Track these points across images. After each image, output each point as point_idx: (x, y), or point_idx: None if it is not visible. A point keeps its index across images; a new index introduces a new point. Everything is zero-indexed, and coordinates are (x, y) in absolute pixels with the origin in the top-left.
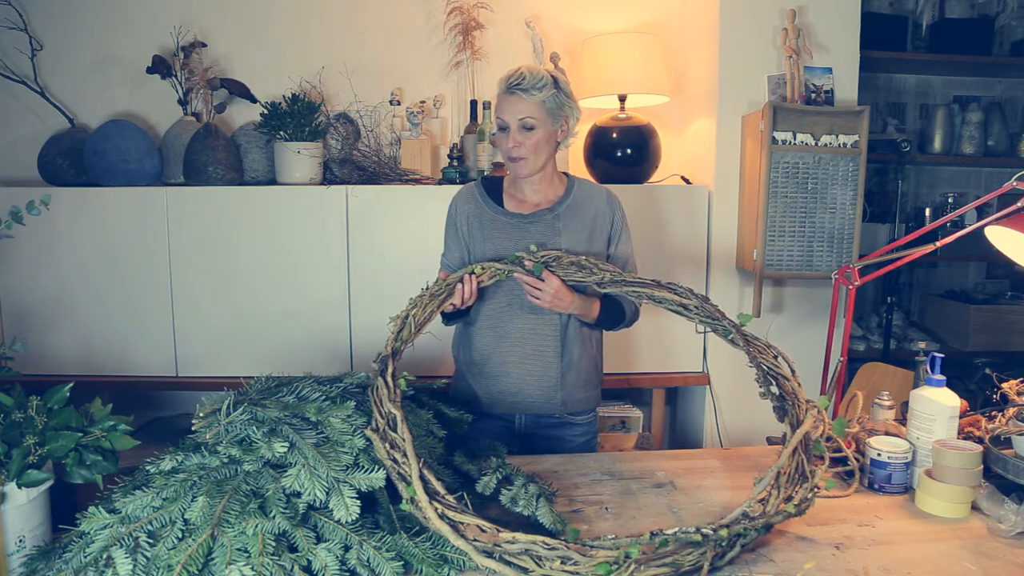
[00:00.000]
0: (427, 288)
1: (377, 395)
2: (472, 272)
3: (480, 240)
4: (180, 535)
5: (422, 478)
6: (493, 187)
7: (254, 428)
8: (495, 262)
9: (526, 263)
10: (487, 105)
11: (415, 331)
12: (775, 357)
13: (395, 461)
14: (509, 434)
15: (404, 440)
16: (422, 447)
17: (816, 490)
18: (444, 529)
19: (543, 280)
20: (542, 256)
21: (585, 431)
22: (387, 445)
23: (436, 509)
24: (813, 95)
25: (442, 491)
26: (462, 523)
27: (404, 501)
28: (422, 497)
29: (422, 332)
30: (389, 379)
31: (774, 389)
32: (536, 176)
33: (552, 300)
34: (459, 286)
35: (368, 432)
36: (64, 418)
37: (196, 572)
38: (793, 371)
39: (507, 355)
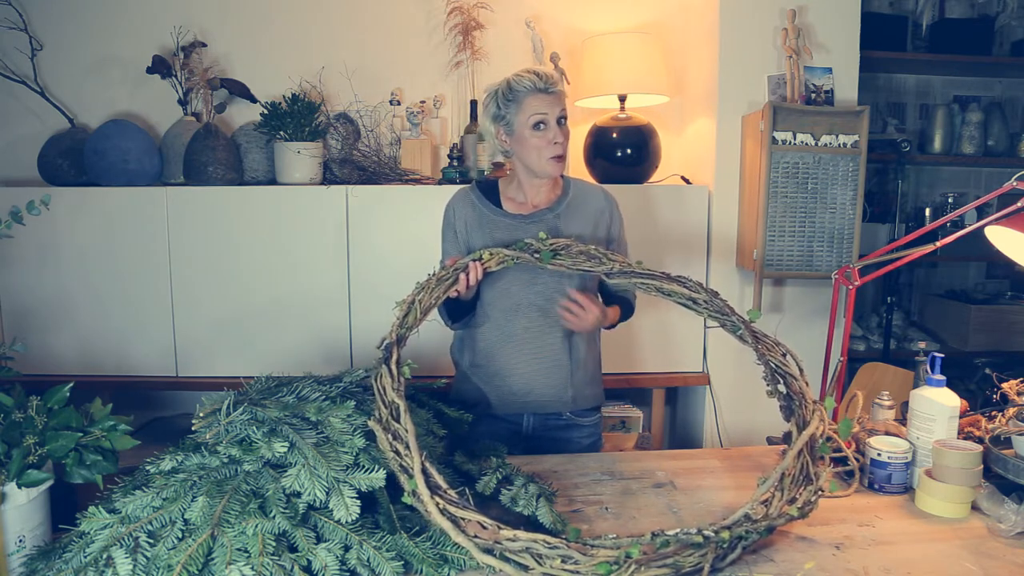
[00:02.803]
0: (433, 273)
1: (381, 383)
2: (479, 258)
3: (481, 244)
4: (180, 535)
5: (424, 472)
6: (489, 190)
7: (254, 428)
8: (502, 248)
9: (536, 247)
10: None
11: (420, 316)
12: (783, 355)
13: (397, 453)
14: (516, 436)
15: (407, 431)
16: (423, 446)
17: (820, 492)
18: (445, 524)
19: (569, 291)
20: (551, 244)
21: (591, 433)
22: (390, 436)
23: (437, 504)
24: (813, 95)
25: (444, 485)
26: (463, 519)
27: (405, 494)
28: (424, 490)
29: (427, 317)
30: (393, 367)
31: (781, 388)
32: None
33: (592, 326)
34: (462, 275)
35: (371, 423)
36: (64, 418)
37: (196, 572)
38: (801, 370)
39: (514, 355)
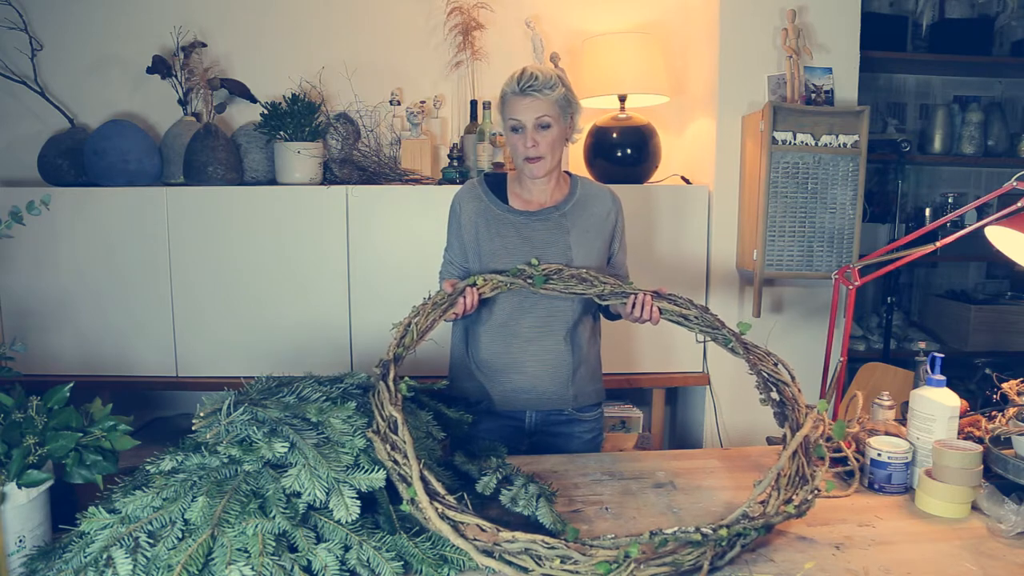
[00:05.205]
0: (430, 297)
1: (378, 398)
2: (474, 284)
3: (488, 239)
4: (180, 535)
5: (422, 479)
6: (496, 184)
7: (254, 428)
8: (496, 274)
9: (528, 272)
10: (487, 105)
11: (417, 338)
12: (775, 364)
13: (396, 463)
14: (519, 433)
15: (405, 442)
16: (421, 449)
17: (816, 492)
18: (444, 529)
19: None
20: (543, 269)
21: (592, 428)
22: (388, 447)
23: (436, 509)
24: (813, 95)
25: (442, 492)
26: (462, 523)
27: (404, 502)
28: (423, 497)
29: (424, 339)
30: (391, 383)
31: (774, 395)
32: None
33: (652, 302)
34: (460, 299)
35: (369, 434)
36: (64, 418)
37: (196, 572)
38: (793, 377)
39: (519, 354)
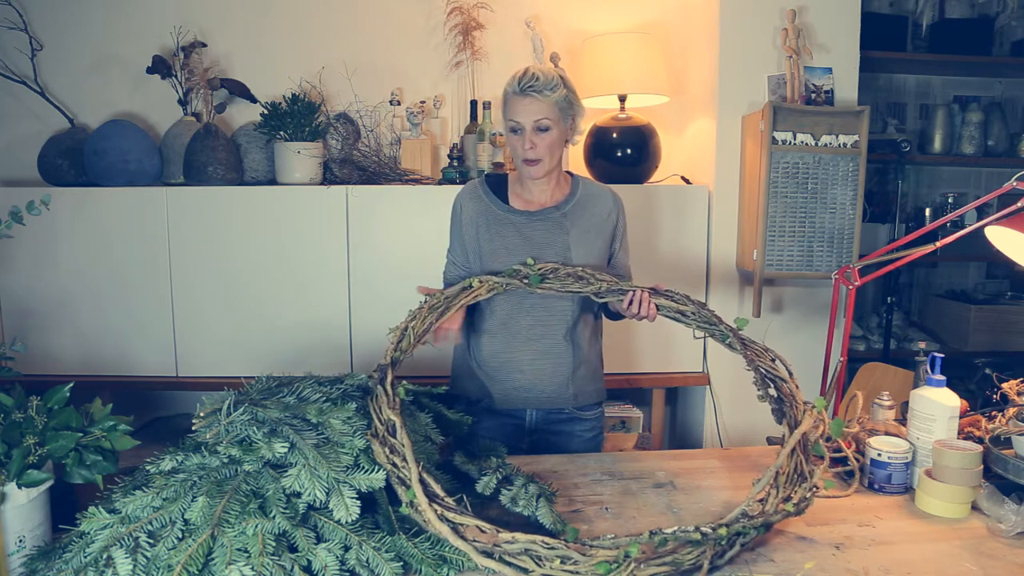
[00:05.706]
0: (425, 302)
1: (376, 403)
2: (469, 286)
3: (488, 239)
4: (180, 535)
5: (421, 481)
6: (497, 184)
7: (254, 428)
8: (492, 275)
9: (524, 272)
10: (487, 105)
11: (414, 342)
12: (772, 360)
13: (395, 466)
14: (520, 431)
15: (403, 446)
16: (420, 452)
17: (815, 490)
18: (444, 530)
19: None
20: (539, 269)
21: (593, 426)
22: (387, 450)
23: (436, 511)
24: (813, 95)
25: (441, 494)
26: (462, 524)
27: (404, 505)
28: (422, 500)
29: (421, 343)
30: (388, 387)
31: (772, 391)
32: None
33: (649, 300)
34: (443, 330)
35: (368, 436)
36: (64, 418)
37: (196, 572)
38: (791, 373)
39: (519, 353)
